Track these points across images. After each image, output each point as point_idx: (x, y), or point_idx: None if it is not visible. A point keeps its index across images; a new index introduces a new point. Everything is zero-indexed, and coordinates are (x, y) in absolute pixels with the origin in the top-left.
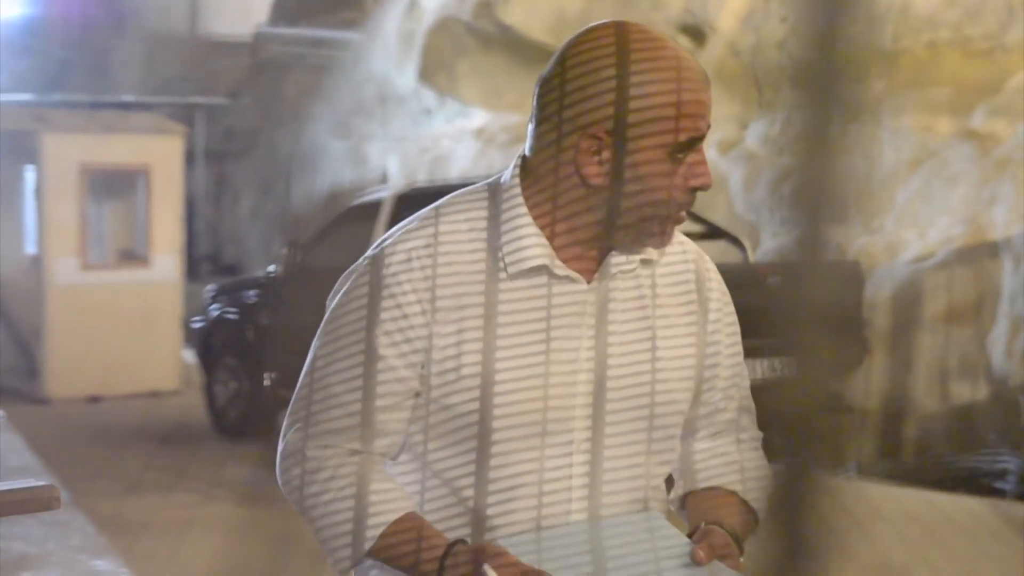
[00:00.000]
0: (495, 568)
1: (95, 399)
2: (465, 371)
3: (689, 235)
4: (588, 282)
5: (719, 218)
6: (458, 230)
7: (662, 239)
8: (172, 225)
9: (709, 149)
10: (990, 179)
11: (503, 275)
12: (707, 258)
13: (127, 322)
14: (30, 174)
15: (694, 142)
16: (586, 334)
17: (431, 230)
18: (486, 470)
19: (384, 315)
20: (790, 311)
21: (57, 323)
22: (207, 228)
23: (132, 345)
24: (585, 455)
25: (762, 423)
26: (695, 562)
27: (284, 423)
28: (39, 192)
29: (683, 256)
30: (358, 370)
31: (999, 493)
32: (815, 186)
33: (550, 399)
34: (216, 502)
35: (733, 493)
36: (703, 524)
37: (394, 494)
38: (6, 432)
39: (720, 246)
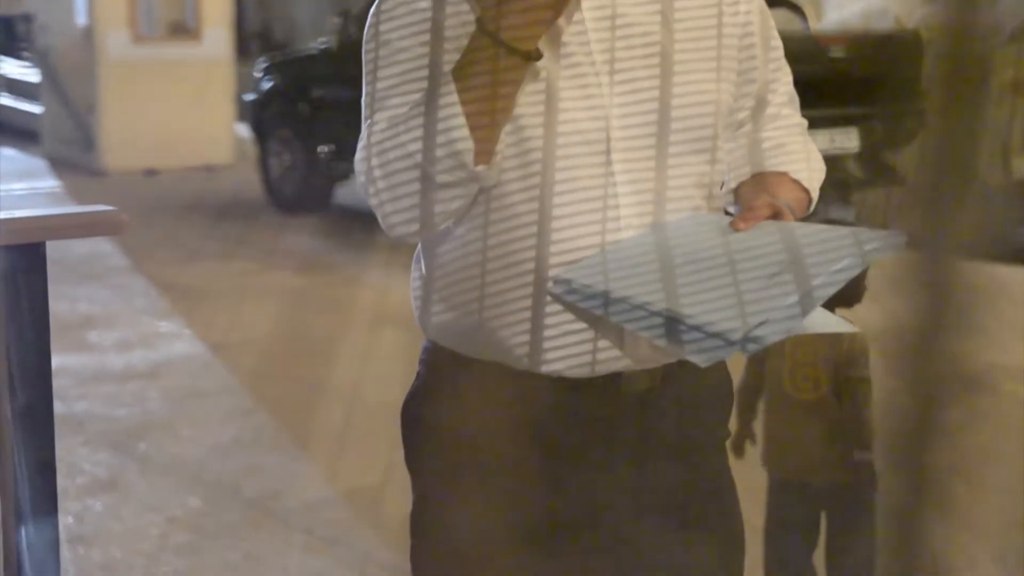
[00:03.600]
0: None
1: (151, 172)
2: None
3: None
4: None
5: None
6: None
7: None
8: None
9: None
10: None
11: None
12: None
13: (179, 96)
14: None
15: None
16: (604, 37)
17: None
18: (534, 195)
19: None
20: (854, 83)
21: (110, 96)
22: (256, 4)
23: (185, 119)
24: (629, 165)
25: (821, 195)
26: (734, 230)
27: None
28: None
29: None
30: (416, 63)
31: None
32: None
33: (585, 117)
34: (274, 270)
35: (784, 174)
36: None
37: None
38: (64, 202)
39: (781, 14)
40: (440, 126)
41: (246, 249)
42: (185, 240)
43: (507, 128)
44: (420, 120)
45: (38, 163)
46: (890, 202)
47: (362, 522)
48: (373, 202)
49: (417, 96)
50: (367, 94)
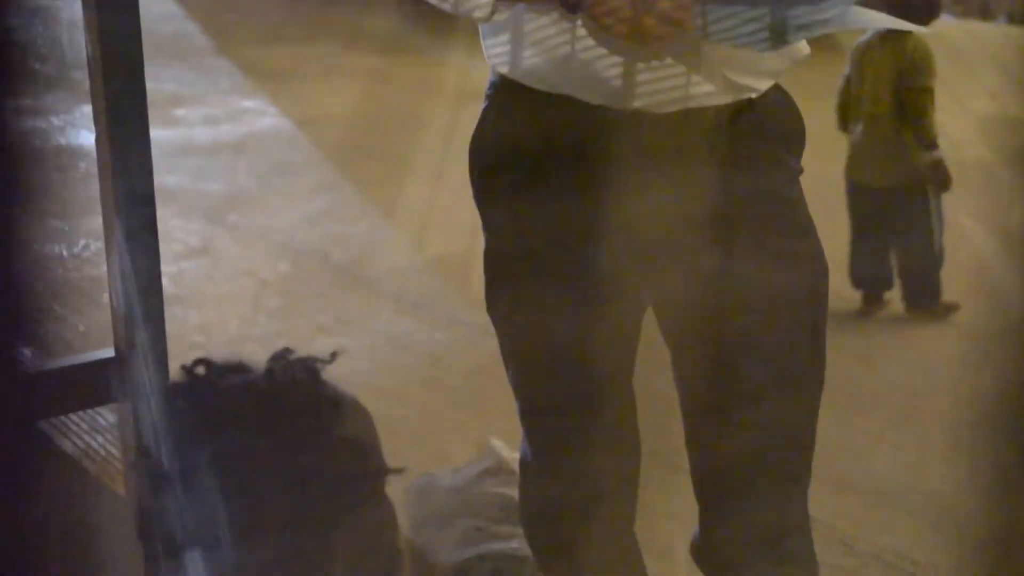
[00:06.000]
0: None
1: None
2: None
3: None
4: None
5: None
6: None
7: None
8: None
9: None
10: None
11: None
12: None
13: None
14: None
15: None
16: None
17: None
18: None
19: None
20: None
21: None
22: None
23: None
24: None
25: None
26: None
27: None
28: None
29: None
30: None
31: None
32: None
33: None
34: (356, 51)
35: None
36: None
37: None
38: None
39: None
40: None
41: (327, 31)
42: (267, 23)
43: None
44: None
45: None
46: None
47: (449, 287)
48: None
49: None
50: None
